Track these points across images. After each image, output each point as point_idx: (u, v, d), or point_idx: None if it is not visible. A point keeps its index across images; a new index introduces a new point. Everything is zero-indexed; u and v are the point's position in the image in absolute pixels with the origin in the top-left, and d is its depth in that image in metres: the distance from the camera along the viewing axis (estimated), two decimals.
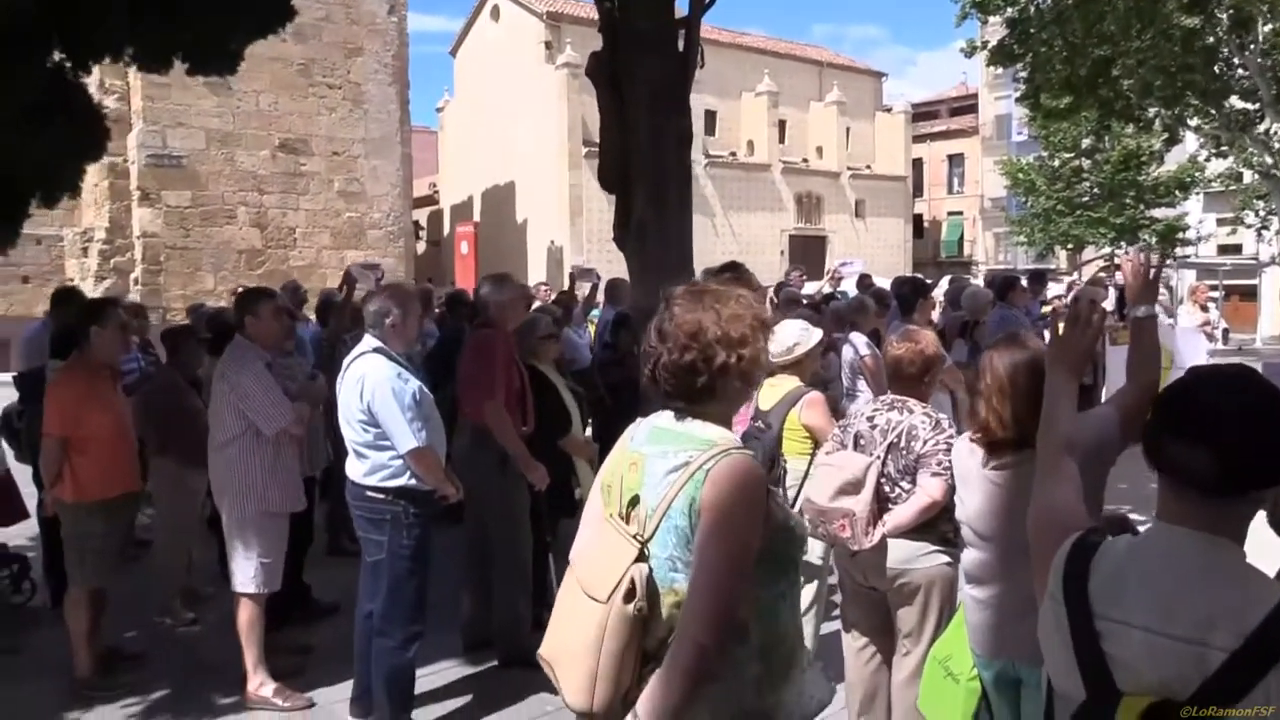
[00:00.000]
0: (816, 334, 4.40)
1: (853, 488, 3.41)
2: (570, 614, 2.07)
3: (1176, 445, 1.49)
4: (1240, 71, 18.22)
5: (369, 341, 3.94)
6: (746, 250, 33.40)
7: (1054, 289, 14.53)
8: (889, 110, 41.43)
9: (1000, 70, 24.75)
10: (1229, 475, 1.46)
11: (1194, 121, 20.79)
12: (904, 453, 3.40)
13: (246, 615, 4.53)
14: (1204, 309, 11.51)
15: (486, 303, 4.84)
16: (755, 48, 38.35)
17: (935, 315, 10.81)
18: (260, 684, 4.54)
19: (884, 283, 10.14)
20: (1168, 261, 23.57)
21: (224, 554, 4.93)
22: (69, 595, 4.79)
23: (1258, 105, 18.77)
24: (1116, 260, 26.13)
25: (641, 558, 1.99)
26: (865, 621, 3.61)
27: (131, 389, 5.78)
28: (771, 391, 4.36)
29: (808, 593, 4.23)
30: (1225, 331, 27.60)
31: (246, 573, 4.51)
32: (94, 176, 24.69)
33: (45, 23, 4.69)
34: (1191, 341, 10.08)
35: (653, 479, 2.03)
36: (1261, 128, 19.81)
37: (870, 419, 3.57)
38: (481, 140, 35.81)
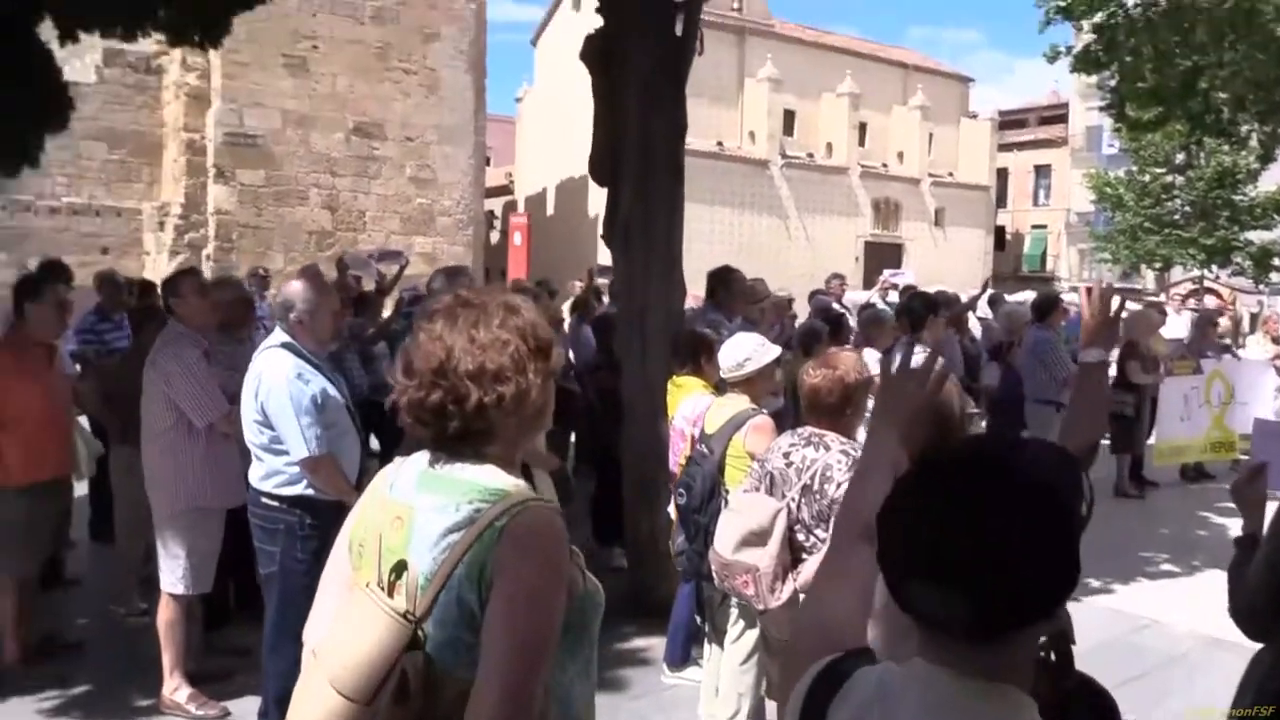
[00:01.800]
0: (773, 350, 4.00)
1: (757, 538, 3.01)
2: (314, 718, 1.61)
3: (918, 585, 1.09)
4: None
5: (277, 334, 3.64)
6: (818, 255, 32.69)
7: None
8: (974, 117, 40.20)
9: (1094, 79, 23.76)
10: (988, 620, 1.06)
11: None
12: (818, 496, 2.97)
13: (167, 615, 4.31)
14: (1276, 341, 10.67)
15: (434, 295, 4.53)
16: (838, 47, 37.52)
17: (978, 333, 10.27)
18: (175, 688, 4.32)
19: (962, 296, 9.61)
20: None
21: None
22: None
23: None
24: (1206, 283, 24.91)
25: (415, 643, 1.58)
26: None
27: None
28: (718, 412, 3.98)
29: (748, 640, 3.82)
30: None
31: (174, 572, 4.29)
32: (173, 153, 25.23)
33: None
34: (1257, 375, 9.35)
35: (424, 539, 1.60)
36: None
37: (786, 455, 3.15)
38: (558, 131, 35.68)
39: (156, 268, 22.88)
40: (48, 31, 5.42)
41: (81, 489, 6.61)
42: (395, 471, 1.78)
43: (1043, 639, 2.41)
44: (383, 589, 1.64)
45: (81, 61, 24.50)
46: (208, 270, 23.27)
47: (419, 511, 1.64)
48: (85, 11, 5.17)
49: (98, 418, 5.73)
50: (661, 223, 5.38)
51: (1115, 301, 2.29)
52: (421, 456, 1.74)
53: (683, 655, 4.72)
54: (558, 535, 1.59)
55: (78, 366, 6.03)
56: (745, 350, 3.95)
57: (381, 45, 26.05)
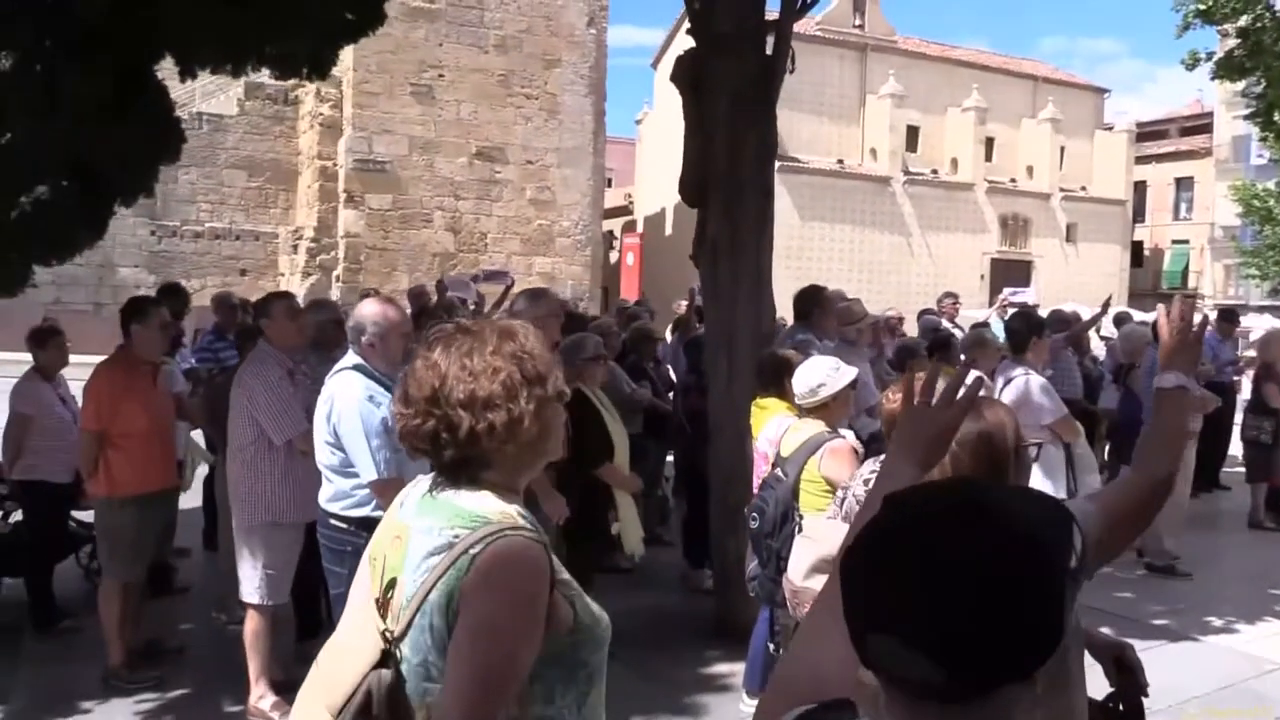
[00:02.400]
0: (848, 374, 3.88)
1: (828, 566, 2.91)
2: None
3: (880, 640, 1.00)
4: None
5: (350, 357, 3.72)
6: (942, 273, 31.88)
7: (1261, 327, 12.89)
8: (1110, 129, 38.60)
9: (1240, 85, 22.64)
10: (955, 681, 0.96)
11: None
12: None
13: (251, 625, 4.46)
14: None
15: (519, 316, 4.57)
16: (964, 61, 36.58)
17: (1103, 355, 9.81)
18: (260, 696, 4.45)
19: (1087, 313, 9.20)
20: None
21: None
22: (102, 587, 4.87)
23: None
24: None
25: (385, 661, 1.60)
26: None
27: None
28: (794, 436, 3.89)
29: None
30: None
31: (252, 582, 4.43)
32: (308, 179, 26.40)
33: (118, 20, 4.79)
34: None
35: (412, 560, 1.62)
36: None
37: (867, 482, 3.03)
38: (676, 153, 35.70)
39: (289, 288, 23.91)
40: (165, 69, 5.74)
41: (196, 500, 6.94)
42: (410, 490, 1.81)
43: (1110, 689, 2.24)
44: (380, 605, 1.67)
45: (226, 95, 25.94)
46: (336, 290, 24.23)
47: (413, 532, 1.66)
48: (198, 47, 5.41)
49: (205, 432, 6.01)
50: (750, 243, 5.32)
51: (1196, 319, 2.09)
52: (428, 478, 1.76)
53: (761, 682, 4.61)
54: (529, 566, 1.57)
55: (188, 384, 6.31)
56: (819, 375, 3.85)
57: (505, 72, 26.69)
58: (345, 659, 1.66)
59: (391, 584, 1.65)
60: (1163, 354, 2.06)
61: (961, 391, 1.54)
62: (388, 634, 1.61)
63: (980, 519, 1.00)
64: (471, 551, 1.55)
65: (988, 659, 0.95)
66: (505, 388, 1.64)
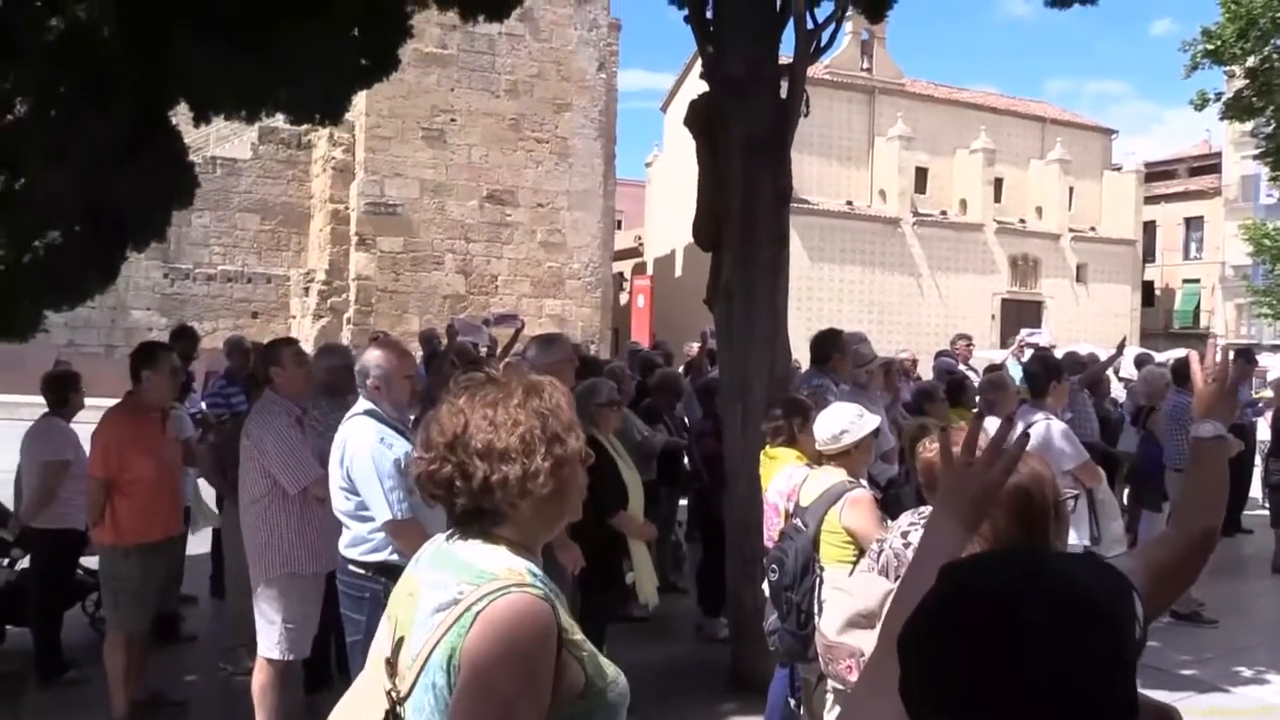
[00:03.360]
0: (871, 421, 3.80)
1: (865, 620, 2.83)
2: None
3: None
4: None
5: (362, 402, 3.69)
6: (952, 314, 31.88)
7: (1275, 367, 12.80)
8: (1118, 169, 38.69)
9: (1248, 125, 22.65)
10: None
11: None
12: None
13: (260, 678, 4.34)
14: None
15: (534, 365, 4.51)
16: (972, 103, 36.76)
17: (1123, 397, 9.70)
18: None
19: (1102, 354, 9.10)
20: None
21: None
22: (107, 638, 4.78)
23: None
24: None
25: None
26: None
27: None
28: (813, 485, 3.80)
29: None
30: None
31: (270, 637, 4.32)
32: (319, 222, 26.56)
33: (134, 66, 4.80)
34: None
35: (420, 617, 1.58)
36: None
37: (905, 535, 2.95)
38: (686, 195, 35.91)
39: (300, 331, 24.01)
40: (179, 113, 5.75)
41: (204, 546, 6.86)
42: (427, 546, 1.77)
43: None
44: (389, 665, 1.64)
45: (240, 139, 26.18)
46: (347, 332, 24.25)
47: (423, 588, 1.63)
48: (214, 92, 5.42)
49: (211, 481, 5.95)
50: (764, 288, 5.26)
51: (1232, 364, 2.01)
52: (444, 533, 1.73)
53: None
54: (531, 624, 1.51)
55: (197, 429, 6.26)
56: (842, 422, 3.77)
57: (515, 117, 26.87)
58: (354, 718, 1.64)
59: (400, 643, 1.62)
60: (1199, 403, 1.98)
61: (1006, 448, 1.47)
62: (393, 694, 1.59)
63: (1047, 592, 0.94)
64: (475, 609, 1.51)
65: None
66: (523, 441, 1.61)
